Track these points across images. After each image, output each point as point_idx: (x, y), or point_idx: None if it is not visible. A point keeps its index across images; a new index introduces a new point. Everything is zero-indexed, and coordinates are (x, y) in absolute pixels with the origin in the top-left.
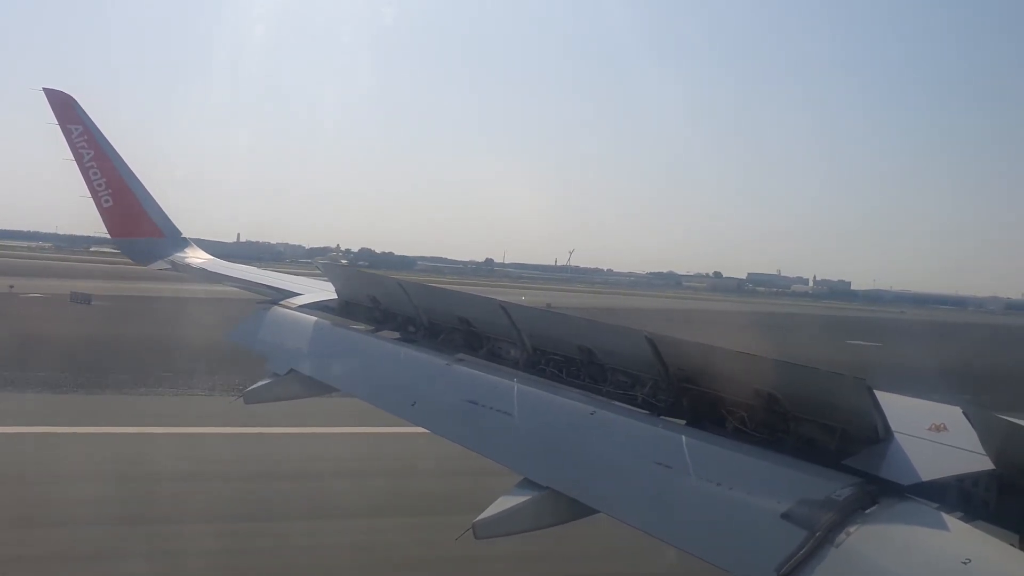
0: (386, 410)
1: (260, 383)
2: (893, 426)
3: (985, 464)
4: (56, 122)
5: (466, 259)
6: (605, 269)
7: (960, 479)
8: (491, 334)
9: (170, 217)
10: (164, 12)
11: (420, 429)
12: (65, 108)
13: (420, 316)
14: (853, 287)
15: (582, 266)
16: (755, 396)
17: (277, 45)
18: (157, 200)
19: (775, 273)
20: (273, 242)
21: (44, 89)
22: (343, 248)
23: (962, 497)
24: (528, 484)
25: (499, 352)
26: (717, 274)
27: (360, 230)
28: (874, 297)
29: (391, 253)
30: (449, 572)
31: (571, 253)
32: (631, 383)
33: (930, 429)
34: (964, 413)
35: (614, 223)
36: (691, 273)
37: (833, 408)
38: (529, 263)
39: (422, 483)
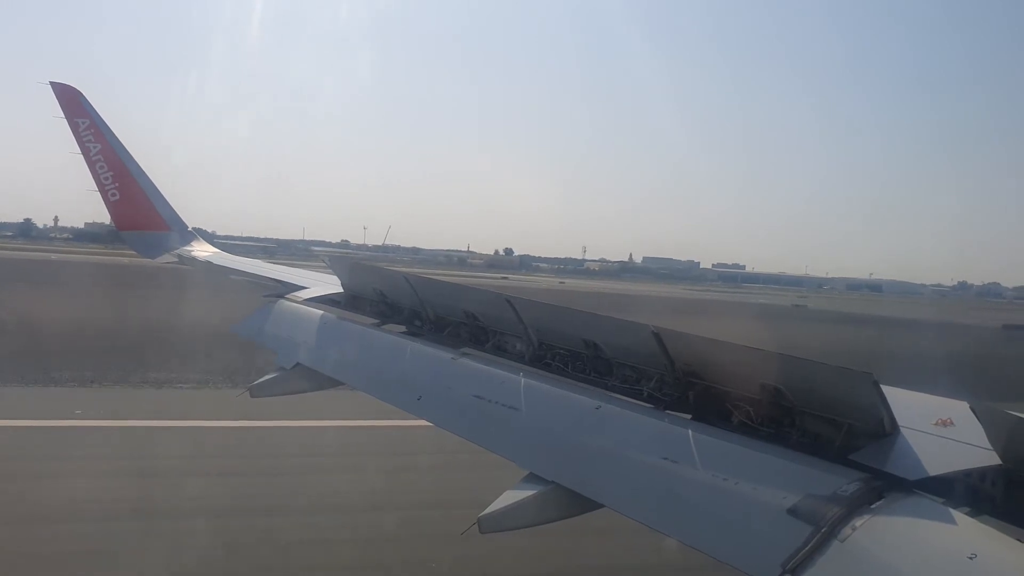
0: (391, 404)
1: (267, 377)
2: (899, 421)
3: (992, 459)
4: (63, 116)
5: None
6: (425, 248)
7: (967, 474)
8: (497, 328)
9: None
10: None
11: (425, 423)
12: (72, 102)
13: (426, 310)
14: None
15: (403, 245)
16: (761, 390)
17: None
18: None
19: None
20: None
21: (51, 83)
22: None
23: (968, 492)
24: (534, 479)
25: (505, 346)
26: (508, 251)
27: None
28: (697, 277)
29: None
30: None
31: (387, 230)
32: (637, 377)
33: (936, 424)
34: (971, 408)
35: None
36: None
37: (839, 402)
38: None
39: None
